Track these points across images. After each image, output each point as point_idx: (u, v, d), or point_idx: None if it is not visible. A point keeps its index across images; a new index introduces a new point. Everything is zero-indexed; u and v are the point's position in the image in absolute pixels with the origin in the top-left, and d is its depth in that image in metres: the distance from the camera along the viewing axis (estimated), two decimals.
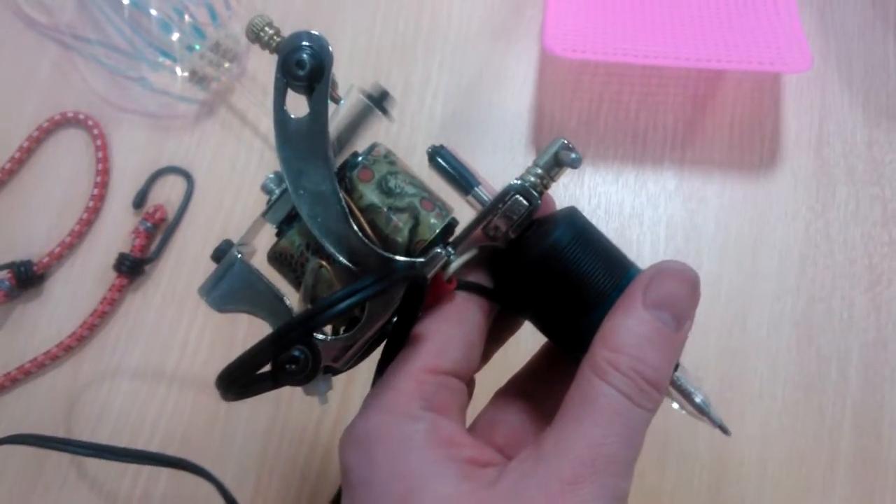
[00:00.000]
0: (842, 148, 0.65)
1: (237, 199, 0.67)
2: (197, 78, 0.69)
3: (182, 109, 0.70)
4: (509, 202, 0.35)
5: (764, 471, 0.56)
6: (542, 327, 0.37)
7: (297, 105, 0.35)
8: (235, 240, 0.37)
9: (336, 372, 0.36)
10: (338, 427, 0.59)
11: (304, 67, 0.34)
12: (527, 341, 0.41)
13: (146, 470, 0.59)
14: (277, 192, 0.36)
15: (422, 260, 0.35)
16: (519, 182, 0.36)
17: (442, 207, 0.37)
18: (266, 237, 0.38)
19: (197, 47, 0.68)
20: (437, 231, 0.36)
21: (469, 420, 0.38)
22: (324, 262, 0.35)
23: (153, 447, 0.60)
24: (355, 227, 0.34)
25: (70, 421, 0.61)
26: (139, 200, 0.67)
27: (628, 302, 0.33)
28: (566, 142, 0.36)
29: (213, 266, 0.36)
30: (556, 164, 0.36)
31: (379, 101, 0.36)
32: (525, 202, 0.35)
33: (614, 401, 0.31)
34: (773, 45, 0.62)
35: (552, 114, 0.67)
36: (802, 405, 0.58)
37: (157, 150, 0.69)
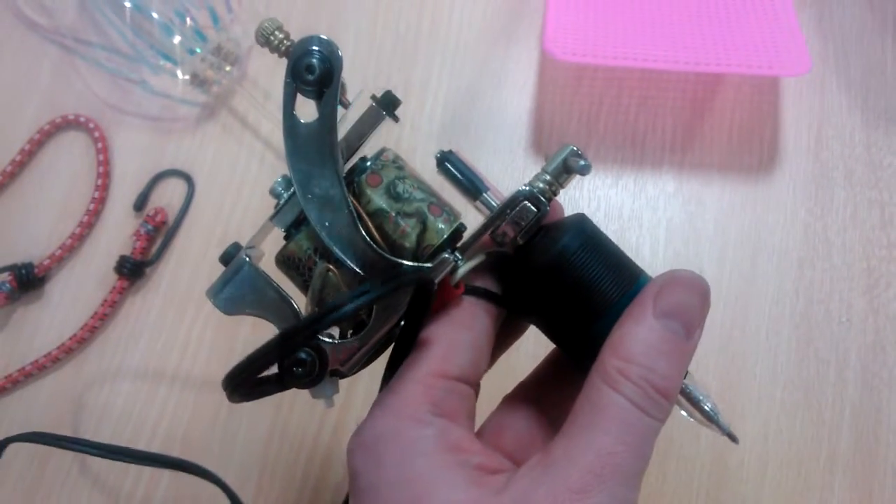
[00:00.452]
0: (840, 151, 0.65)
1: (238, 202, 0.66)
2: (198, 81, 0.68)
3: (183, 112, 0.70)
4: (518, 208, 0.35)
5: (763, 472, 0.56)
6: (550, 333, 0.37)
7: (306, 109, 0.35)
8: (242, 243, 0.37)
9: (343, 375, 0.36)
10: (339, 430, 0.59)
11: (314, 72, 0.34)
12: (532, 345, 0.41)
13: (148, 470, 0.59)
14: (286, 195, 0.36)
15: (429, 265, 0.34)
16: (527, 188, 0.35)
17: (450, 213, 0.36)
18: (274, 240, 0.37)
19: (198, 50, 0.67)
20: (445, 236, 0.36)
21: (476, 424, 0.38)
22: (331, 267, 0.35)
23: (154, 448, 0.60)
24: (363, 232, 0.34)
25: (72, 422, 0.61)
26: (140, 203, 0.66)
27: (638, 310, 0.33)
28: (575, 148, 0.36)
29: (217, 268, 0.36)
30: (564, 170, 0.35)
31: (388, 106, 0.36)
32: (533, 208, 0.35)
33: (624, 410, 0.31)
34: (771, 49, 0.62)
35: (552, 117, 0.67)
36: (801, 407, 0.58)
37: (157, 153, 0.69)
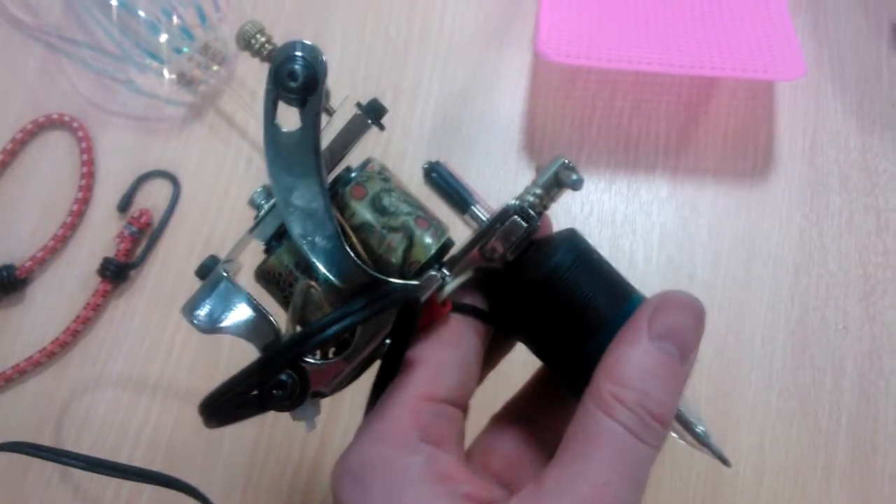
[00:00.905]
0: (835, 156, 0.63)
1: (224, 204, 0.65)
2: (184, 80, 0.67)
3: (169, 112, 0.68)
4: (507, 223, 0.33)
5: (760, 482, 0.54)
6: (539, 352, 0.36)
7: (288, 115, 0.33)
8: (221, 254, 0.35)
9: (324, 395, 0.34)
10: (326, 441, 0.57)
11: (297, 79, 0.32)
12: (520, 362, 0.40)
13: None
14: (266, 207, 0.34)
15: (416, 283, 0.33)
16: (517, 202, 0.33)
17: (437, 227, 0.35)
18: (253, 252, 0.35)
19: (185, 49, 0.66)
20: (433, 252, 0.34)
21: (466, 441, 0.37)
22: (313, 283, 0.33)
23: (137, 456, 0.58)
24: (347, 247, 0.32)
25: (53, 429, 0.59)
26: (124, 204, 0.64)
27: (632, 333, 0.31)
28: (567, 161, 0.34)
29: (197, 278, 0.35)
30: (556, 184, 0.34)
31: (374, 114, 0.34)
32: (523, 223, 0.33)
33: (619, 438, 0.29)
34: (766, 53, 0.61)
35: (544, 120, 0.66)
36: (797, 415, 0.56)
37: (143, 154, 0.67)
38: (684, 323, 0.31)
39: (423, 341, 0.34)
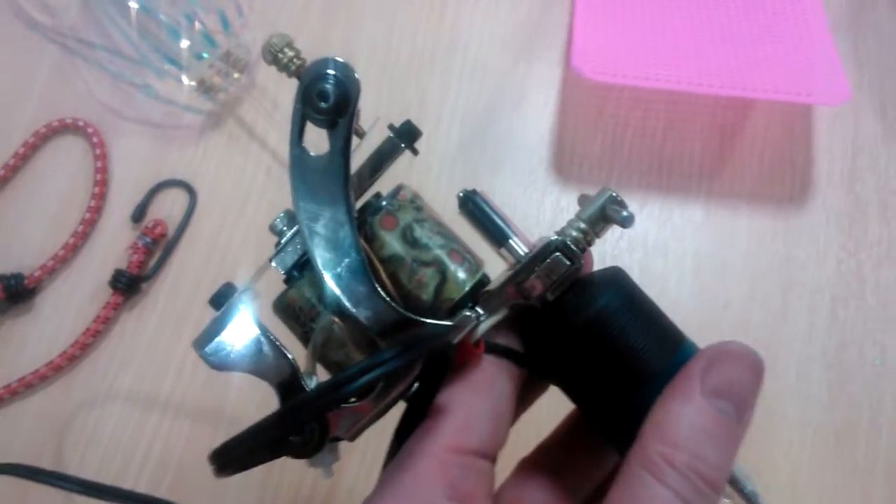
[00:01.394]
0: (875, 183, 0.61)
1: (241, 216, 0.62)
2: (204, 87, 0.64)
3: (187, 120, 0.66)
4: (549, 260, 0.30)
5: None
6: (577, 399, 0.33)
7: (313, 132, 0.31)
8: (236, 272, 0.33)
9: (340, 439, 0.31)
10: (342, 470, 0.54)
11: (328, 100, 0.30)
12: (555, 398, 0.37)
13: None
14: (288, 234, 0.31)
15: (449, 323, 0.30)
16: (559, 238, 0.31)
17: (472, 262, 0.32)
18: (271, 279, 0.33)
19: (206, 56, 0.63)
20: (467, 289, 0.31)
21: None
22: (336, 319, 0.30)
23: (144, 476, 0.56)
24: (375, 282, 0.30)
25: (57, 446, 0.57)
26: (138, 214, 0.62)
27: (685, 387, 0.28)
28: (615, 194, 0.31)
29: (214, 288, 0.32)
30: (602, 219, 0.31)
31: (408, 137, 0.32)
32: (566, 261, 0.30)
33: None
34: (808, 75, 0.58)
35: (574, 137, 0.63)
36: (832, 454, 0.54)
37: (158, 162, 0.64)
38: (742, 379, 0.29)
39: (453, 386, 0.31)
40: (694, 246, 0.59)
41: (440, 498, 0.28)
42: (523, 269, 0.31)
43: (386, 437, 0.32)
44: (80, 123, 0.65)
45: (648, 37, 0.62)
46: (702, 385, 0.28)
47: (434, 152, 0.63)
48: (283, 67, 0.32)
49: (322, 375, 0.31)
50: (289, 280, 0.32)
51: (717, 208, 0.60)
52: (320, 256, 0.30)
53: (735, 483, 0.31)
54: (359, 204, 0.32)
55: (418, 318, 0.30)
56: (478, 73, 0.66)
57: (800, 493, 0.53)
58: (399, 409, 0.32)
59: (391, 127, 0.32)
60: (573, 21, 0.61)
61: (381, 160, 0.33)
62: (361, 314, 0.30)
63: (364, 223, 0.31)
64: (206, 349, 0.31)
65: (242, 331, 0.31)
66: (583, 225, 0.31)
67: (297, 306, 0.31)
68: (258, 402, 0.55)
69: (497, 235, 0.32)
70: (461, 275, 0.31)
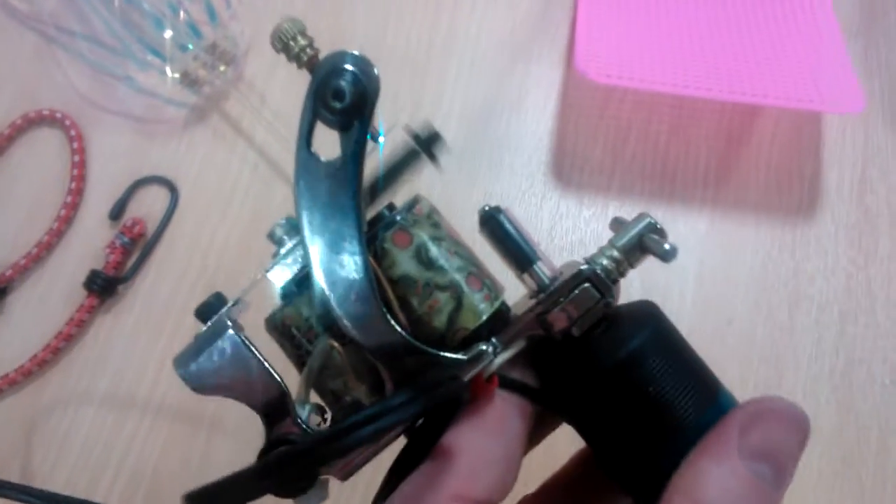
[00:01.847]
0: (886, 195, 0.58)
1: (225, 217, 0.59)
2: (188, 80, 0.61)
3: (170, 114, 0.63)
4: (577, 292, 0.27)
5: None
6: (594, 443, 0.29)
7: (320, 134, 0.28)
8: (220, 278, 0.30)
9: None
10: None
11: (344, 99, 0.26)
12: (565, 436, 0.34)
13: None
14: (289, 244, 0.28)
15: (463, 357, 0.27)
16: (589, 267, 0.27)
17: (491, 288, 0.29)
18: (265, 291, 0.30)
19: (190, 47, 0.60)
20: (484, 318, 0.28)
21: None
22: (336, 344, 0.27)
23: (119, 485, 0.53)
24: (383, 306, 0.27)
25: (27, 453, 0.54)
26: (117, 212, 0.59)
27: (720, 445, 0.25)
28: (654, 222, 0.28)
29: (197, 299, 0.29)
30: (639, 249, 0.28)
31: (427, 144, 0.29)
32: (596, 294, 0.27)
33: None
34: (821, 82, 0.55)
35: (575, 141, 0.60)
36: (840, 478, 0.51)
37: (139, 158, 0.61)
38: (785, 441, 0.26)
39: (461, 424, 0.28)
40: (698, 257, 0.57)
41: None
42: (547, 300, 0.28)
43: (381, 467, 0.30)
44: (58, 115, 0.62)
45: (654, 38, 0.60)
46: (740, 444, 0.25)
47: None
48: (294, 58, 0.28)
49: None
50: (285, 296, 0.29)
51: (723, 218, 0.57)
52: (323, 272, 0.27)
53: None
54: (369, 215, 0.29)
55: (429, 349, 0.26)
56: (475, 73, 0.63)
57: None
58: (398, 444, 0.29)
59: (412, 132, 0.29)
60: (576, 20, 0.59)
61: (397, 169, 0.29)
62: (364, 340, 0.26)
63: (374, 238, 0.28)
64: (188, 369, 0.27)
65: (230, 351, 0.28)
66: (616, 254, 0.28)
67: (293, 326, 0.28)
68: (239, 410, 0.52)
69: (521, 260, 0.28)
70: (479, 302, 0.28)
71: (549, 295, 0.28)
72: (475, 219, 0.29)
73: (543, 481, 0.34)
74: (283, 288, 0.29)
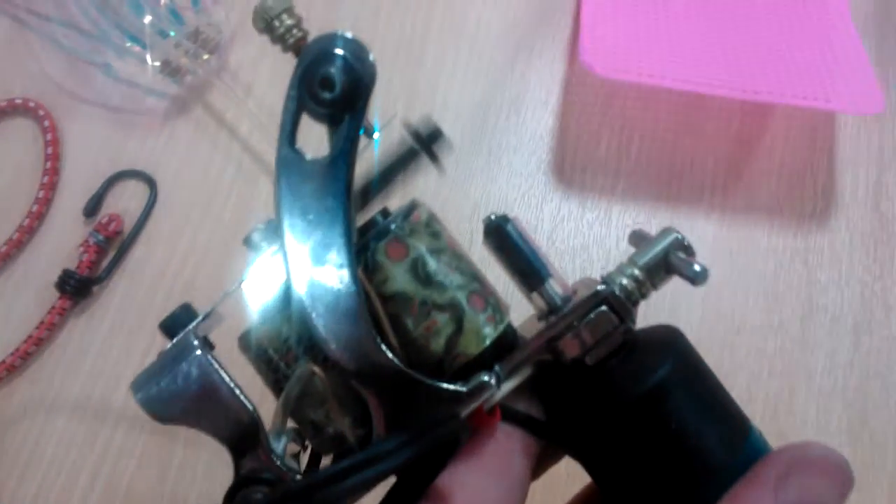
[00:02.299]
0: None
1: (207, 214, 0.56)
2: (169, 69, 0.59)
3: (150, 104, 0.61)
4: (593, 316, 0.24)
5: None
6: (605, 484, 0.26)
7: (306, 129, 0.25)
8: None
9: None
10: None
11: (333, 88, 0.23)
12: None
13: None
14: (267, 251, 0.25)
15: (463, 390, 0.24)
16: (607, 287, 0.24)
17: (496, 308, 0.25)
18: (241, 302, 0.27)
19: (172, 34, 0.58)
20: (487, 344, 0.25)
21: None
22: (317, 369, 0.24)
23: (92, 501, 0.50)
24: (372, 327, 0.23)
25: None
26: (92, 208, 0.57)
27: (755, 497, 0.23)
28: (681, 237, 0.25)
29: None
30: (664, 268, 0.25)
31: (428, 142, 0.25)
32: (614, 318, 0.24)
33: None
34: (838, 80, 0.52)
35: (577, 139, 0.57)
36: (853, 499, 0.49)
37: (116, 150, 0.59)
38: (825, 493, 0.23)
39: (458, 463, 0.25)
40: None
41: None
42: (559, 323, 0.25)
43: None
44: (31, 105, 0.60)
45: (662, 32, 0.57)
46: (776, 498, 0.22)
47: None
48: (279, 39, 0.25)
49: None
50: (261, 311, 0.26)
51: (732, 223, 0.55)
52: (305, 286, 0.23)
53: None
54: (359, 221, 0.26)
55: (424, 378, 0.23)
56: (472, 66, 0.60)
57: None
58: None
59: (411, 129, 0.25)
60: (580, 10, 0.55)
61: (393, 169, 0.26)
62: (349, 365, 0.23)
63: (365, 249, 0.25)
64: (148, 394, 0.24)
65: (196, 374, 0.24)
66: (638, 273, 0.25)
67: (270, 347, 0.25)
68: None
69: (531, 277, 0.25)
70: (483, 326, 0.25)
71: (560, 318, 0.25)
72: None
73: None
74: (259, 302, 0.25)
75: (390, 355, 0.23)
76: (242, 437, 0.24)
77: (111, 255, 0.56)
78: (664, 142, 0.57)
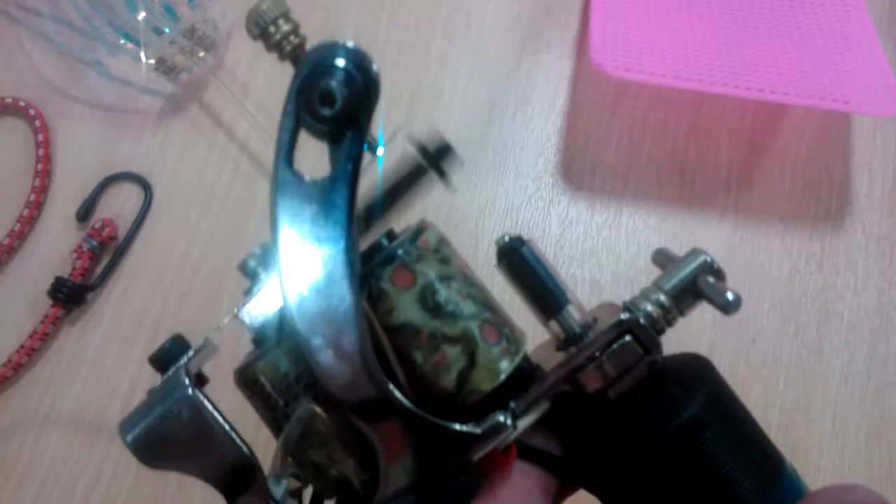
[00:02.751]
0: None
1: (203, 218, 0.55)
2: (164, 67, 0.57)
3: (144, 103, 0.59)
4: (616, 346, 0.23)
5: None
6: None
7: (306, 145, 0.23)
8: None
9: None
10: None
11: (333, 103, 0.21)
12: None
13: None
14: (264, 279, 0.23)
15: (478, 432, 0.22)
16: (630, 315, 0.23)
17: (510, 338, 0.24)
18: (238, 330, 0.25)
19: (167, 31, 0.56)
20: (502, 379, 0.23)
21: None
22: (319, 409, 0.22)
23: None
24: (376, 360, 0.22)
25: None
26: (85, 212, 0.55)
27: None
28: (710, 260, 0.23)
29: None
30: (692, 293, 0.23)
31: (437, 158, 0.23)
32: (639, 350, 0.23)
33: None
34: (848, 80, 0.51)
35: (586, 139, 0.55)
36: None
37: (110, 151, 0.57)
38: None
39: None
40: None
41: None
42: (579, 355, 0.23)
43: None
44: (21, 104, 0.58)
45: (673, 30, 0.55)
46: None
47: None
48: (274, 46, 0.23)
49: None
50: (260, 344, 0.24)
51: (745, 226, 0.53)
52: (303, 318, 0.21)
53: None
54: (363, 246, 0.24)
55: (434, 419, 0.21)
56: (479, 62, 0.59)
57: None
58: None
59: (418, 144, 0.24)
60: (589, 7, 0.53)
61: (399, 188, 0.24)
62: (352, 403, 0.21)
63: (369, 276, 0.23)
64: (136, 436, 0.23)
65: (187, 415, 0.23)
66: (664, 298, 0.23)
67: (268, 383, 0.23)
68: None
69: (548, 304, 0.24)
70: (497, 359, 0.23)
71: (581, 349, 0.23)
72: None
73: None
74: (257, 334, 0.24)
75: (398, 393, 0.21)
76: (238, 479, 0.23)
77: (105, 261, 0.54)
78: (675, 142, 0.55)
